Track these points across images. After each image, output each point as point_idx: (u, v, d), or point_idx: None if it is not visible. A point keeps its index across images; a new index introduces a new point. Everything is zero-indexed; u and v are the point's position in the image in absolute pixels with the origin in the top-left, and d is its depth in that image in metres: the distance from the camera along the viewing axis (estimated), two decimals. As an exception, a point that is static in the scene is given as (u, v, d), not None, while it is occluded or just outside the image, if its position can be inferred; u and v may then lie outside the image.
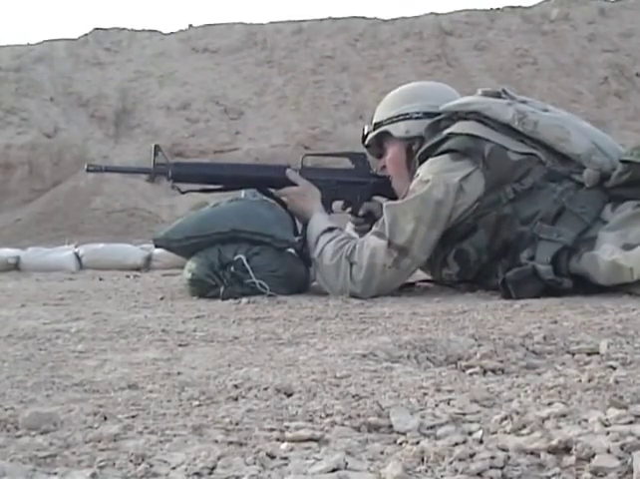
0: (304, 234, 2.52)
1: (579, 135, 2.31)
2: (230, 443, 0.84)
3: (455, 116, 2.39)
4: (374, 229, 2.37)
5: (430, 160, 2.35)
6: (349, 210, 2.64)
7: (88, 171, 2.67)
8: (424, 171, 2.33)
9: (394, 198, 2.48)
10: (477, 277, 2.36)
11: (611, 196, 2.23)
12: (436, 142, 2.35)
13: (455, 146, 2.31)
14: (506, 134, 2.31)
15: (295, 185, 2.57)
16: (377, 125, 2.58)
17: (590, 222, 2.19)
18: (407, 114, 2.51)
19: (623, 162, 2.21)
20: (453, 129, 2.35)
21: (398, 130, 2.52)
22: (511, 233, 2.24)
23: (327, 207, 2.59)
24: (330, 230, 2.46)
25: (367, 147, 2.68)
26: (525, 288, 2.12)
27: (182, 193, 2.67)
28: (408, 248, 2.29)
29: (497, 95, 2.42)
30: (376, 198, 2.63)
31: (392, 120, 2.53)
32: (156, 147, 2.59)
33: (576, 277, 2.15)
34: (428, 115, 2.47)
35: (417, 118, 2.49)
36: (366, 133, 2.64)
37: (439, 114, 2.45)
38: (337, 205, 2.64)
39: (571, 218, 2.20)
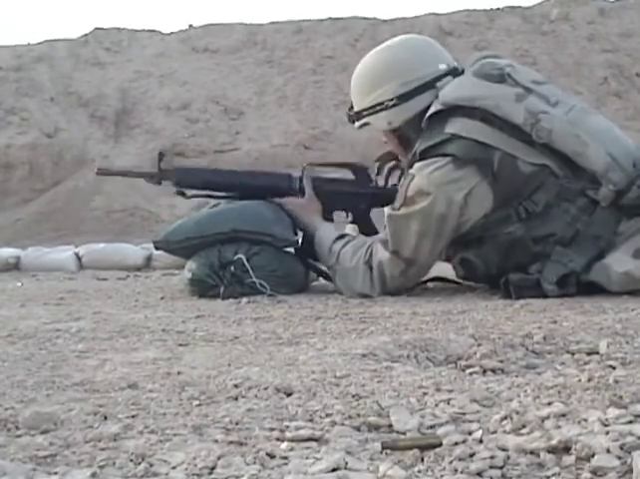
0: (304, 242, 2.52)
1: (597, 147, 2.16)
2: (230, 443, 0.84)
3: (458, 108, 2.20)
4: (381, 235, 2.33)
5: (430, 162, 2.19)
6: (349, 220, 2.63)
7: (98, 174, 2.75)
8: (422, 177, 2.19)
9: None
10: (482, 282, 2.36)
11: (625, 212, 2.14)
12: (437, 142, 2.19)
13: (459, 153, 2.15)
14: (514, 136, 2.15)
15: (297, 195, 2.54)
16: (358, 114, 2.42)
17: (605, 246, 2.12)
18: (381, 103, 2.34)
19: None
20: (456, 129, 2.17)
21: (379, 123, 2.38)
22: (525, 255, 2.16)
23: (328, 216, 2.57)
24: (341, 237, 2.45)
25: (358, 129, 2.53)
26: (526, 293, 2.09)
27: (187, 197, 2.67)
28: (414, 259, 2.26)
29: (500, 77, 2.22)
30: None
31: (369, 111, 2.38)
32: (160, 154, 2.64)
33: (585, 286, 2.11)
34: (403, 97, 2.31)
35: (393, 105, 2.33)
36: (351, 119, 2.47)
37: (415, 89, 2.29)
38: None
39: (586, 243, 2.13)
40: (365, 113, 2.41)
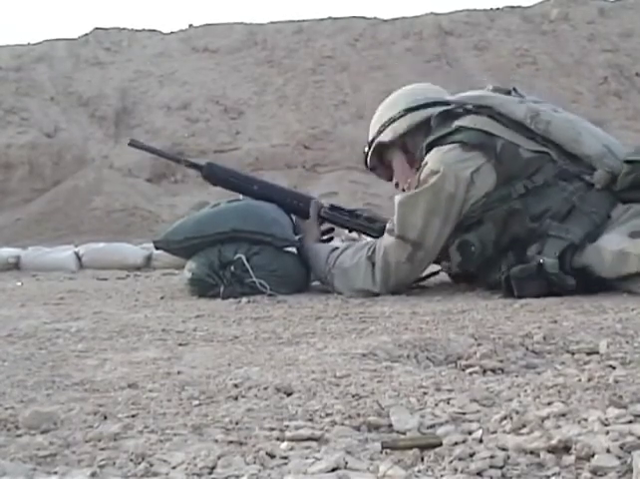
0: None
1: (591, 137, 2.30)
2: (230, 442, 0.84)
3: (466, 107, 2.36)
4: (387, 225, 2.36)
5: (439, 148, 2.31)
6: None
7: (130, 144, 2.85)
8: (433, 160, 2.29)
9: None
10: (478, 270, 2.34)
11: (620, 199, 2.20)
12: (446, 133, 2.32)
13: (466, 139, 2.28)
14: (518, 131, 2.29)
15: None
16: (371, 142, 2.59)
17: (600, 222, 2.17)
18: (390, 118, 2.51)
19: (627, 162, 2.18)
20: (464, 122, 2.31)
21: (387, 135, 2.52)
22: (521, 229, 2.21)
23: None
24: (337, 248, 2.49)
25: (372, 170, 2.68)
26: (529, 286, 2.10)
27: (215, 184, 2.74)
28: (421, 243, 2.29)
29: (508, 93, 2.40)
30: None
31: (380, 131, 2.54)
32: None
33: (578, 272, 2.13)
34: (409, 110, 2.47)
35: (400, 117, 2.49)
36: (366, 158, 2.64)
37: (421, 105, 2.45)
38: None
39: (581, 217, 2.19)
40: (376, 135, 2.56)
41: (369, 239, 2.60)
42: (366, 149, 2.65)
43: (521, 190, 2.23)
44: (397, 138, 2.50)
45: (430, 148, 2.34)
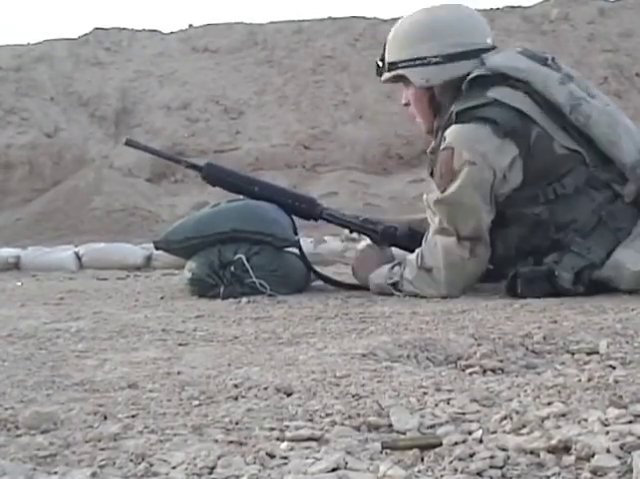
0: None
1: (628, 141, 2.17)
2: (230, 442, 0.84)
3: (502, 77, 2.17)
4: (433, 227, 2.23)
5: (470, 128, 2.15)
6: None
7: (126, 144, 2.79)
8: (468, 149, 2.13)
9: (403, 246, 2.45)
10: (495, 266, 2.28)
11: None
12: (479, 104, 2.16)
13: (500, 119, 2.12)
14: (553, 118, 2.15)
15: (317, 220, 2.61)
16: (392, 65, 2.33)
17: (623, 238, 2.11)
18: (424, 58, 2.26)
19: None
20: (500, 95, 2.15)
21: (416, 77, 2.28)
22: (545, 240, 2.14)
23: None
24: (396, 264, 2.35)
25: (384, 82, 2.45)
26: (534, 288, 2.07)
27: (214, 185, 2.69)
28: (479, 236, 2.19)
29: (544, 61, 2.22)
30: None
31: (408, 64, 2.29)
32: None
33: (595, 284, 2.09)
34: (448, 58, 2.25)
35: (436, 63, 2.25)
36: (380, 69, 2.37)
37: (462, 53, 2.24)
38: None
39: (607, 234, 2.12)
40: (402, 64, 2.31)
41: (368, 240, 2.59)
42: (379, 61, 2.37)
43: (551, 195, 2.14)
44: (427, 87, 2.30)
45: (458, 116, 2.18)
